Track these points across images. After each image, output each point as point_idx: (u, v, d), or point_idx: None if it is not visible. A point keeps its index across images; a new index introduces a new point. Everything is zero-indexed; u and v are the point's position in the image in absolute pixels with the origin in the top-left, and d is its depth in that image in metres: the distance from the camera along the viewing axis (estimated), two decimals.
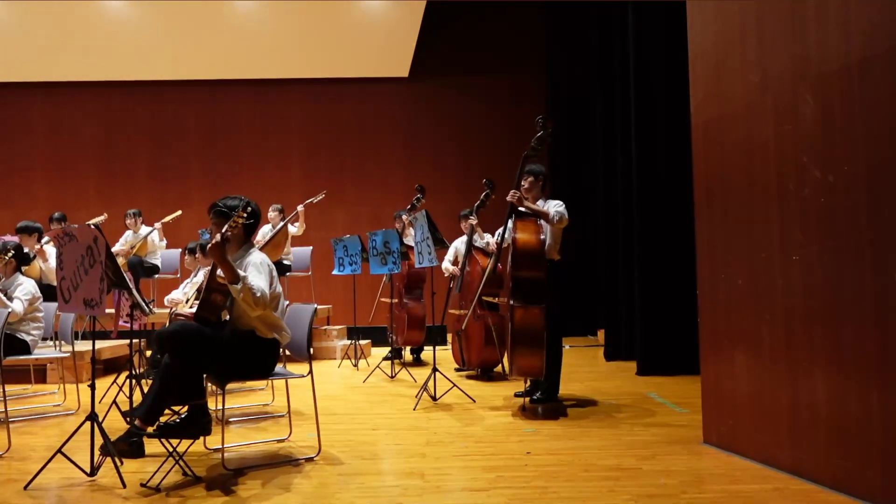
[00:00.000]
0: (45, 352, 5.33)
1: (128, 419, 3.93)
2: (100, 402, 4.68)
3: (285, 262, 8.31)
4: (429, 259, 5.15)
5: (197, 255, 5.94)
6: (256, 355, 3.51)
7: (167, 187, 11.33)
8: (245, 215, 3.32)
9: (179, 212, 8.12)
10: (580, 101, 10.05)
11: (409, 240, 7.39)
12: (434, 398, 5.11)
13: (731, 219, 3.65)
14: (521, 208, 4.87)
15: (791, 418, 3.17)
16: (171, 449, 3.23)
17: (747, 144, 3.52)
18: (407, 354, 7.63)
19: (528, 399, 4.94)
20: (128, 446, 3.16)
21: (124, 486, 3.11)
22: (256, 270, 3.42)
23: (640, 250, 6.53)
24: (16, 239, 6.76)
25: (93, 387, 3.35)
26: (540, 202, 4.97)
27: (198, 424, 3.38)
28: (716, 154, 3.81)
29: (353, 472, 3.31)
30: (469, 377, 6.19)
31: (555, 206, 4.95)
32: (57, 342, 5.63)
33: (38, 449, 3.88)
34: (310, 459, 3.55)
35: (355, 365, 7.33)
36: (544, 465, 3.37)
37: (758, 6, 3.48)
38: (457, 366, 6.62)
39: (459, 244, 5.98)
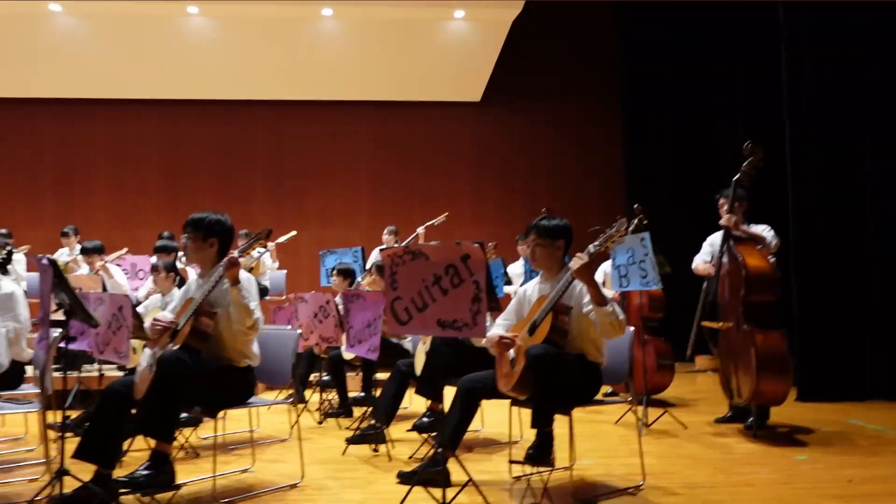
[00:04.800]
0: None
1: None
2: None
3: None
4: (642, 283, 5.06)
5: (374, 277, 5.80)
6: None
7: (232, 208, 10.89)
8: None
9: (294, 232, 7.92)
10: (655, 127, 10.15)
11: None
12: (647, 424, 5.01)
13: None
14: (736, 232, 4.88)
15: None
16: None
17: None
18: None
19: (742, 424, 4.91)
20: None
21: None
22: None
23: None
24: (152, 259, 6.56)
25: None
26: (743, 226, 4.98)
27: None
28: None
29: None
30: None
31: (767, 230, 4.97)
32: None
33: None
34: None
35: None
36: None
37: None
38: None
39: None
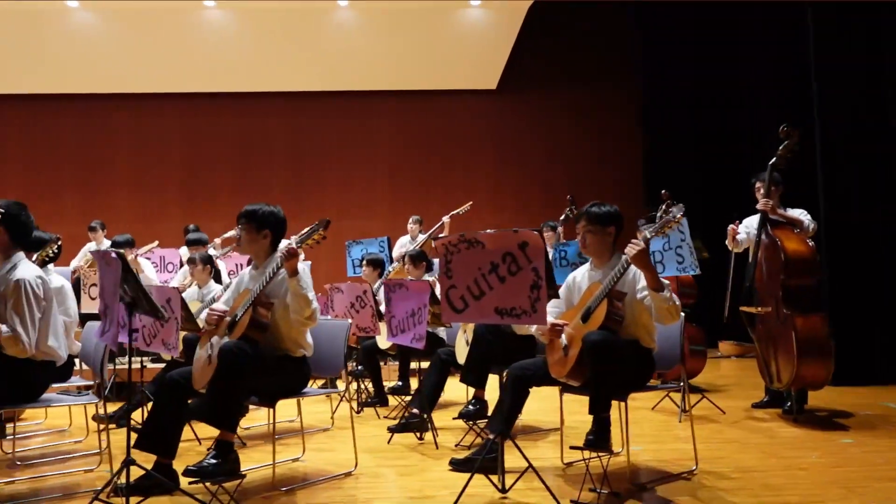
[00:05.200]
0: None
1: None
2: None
3: None
4: (679, 268, 5.06)
5: (408, 266, 5.82)
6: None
7: (251, 200, 10.89)
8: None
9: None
10: (675, 113, 10.10)
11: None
12: (684, 409, 5.02)
13: None
14: (773, 216, 4.88)
15: None
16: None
17: None
18: None
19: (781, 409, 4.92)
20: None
21: None
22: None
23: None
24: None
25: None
26: (780, 210, 4.97)
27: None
28: None
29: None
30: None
31: (804, 214, 4.97)
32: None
33: None
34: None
35: None
36: None
37: None
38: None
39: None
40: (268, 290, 3.32)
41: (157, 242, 6.87)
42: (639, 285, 3.32)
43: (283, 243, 3.32)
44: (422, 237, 8.00)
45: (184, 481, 3.10)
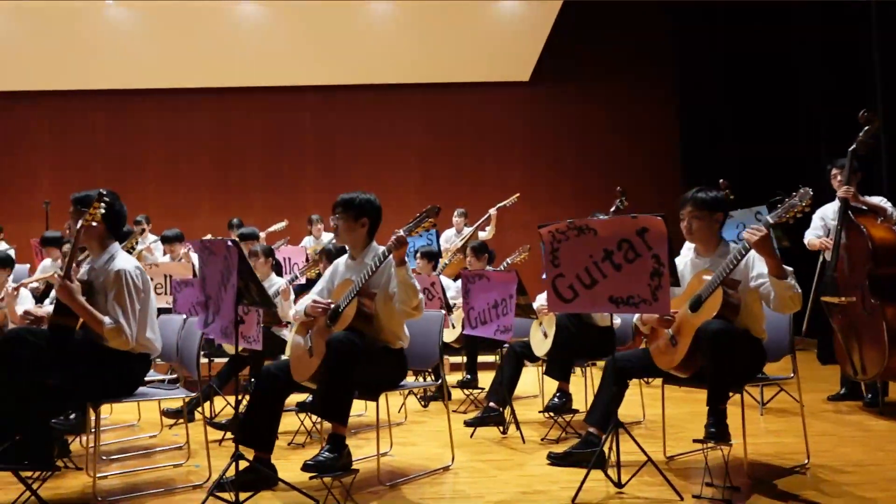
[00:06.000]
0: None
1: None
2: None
3: None
4: None
5: (470, 258, 5.72)
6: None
7: (282, 195, 10.98)
8: None
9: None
10: (712, 104, 9.95)
11: None
12: (762, 404, 4.91)
13: None
14: (855, 204, 4.76)
15: None
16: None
17: None
18: None
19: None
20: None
21: None
22: None
23: None
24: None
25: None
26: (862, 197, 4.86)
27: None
28: None
29: None
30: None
31: (885, 202, 4.86)
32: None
33: None
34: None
35: None
36: None
37: None
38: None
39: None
40: (369, 281, 3.23)
41: (209, 236, 6.78)
42: (752, 272, 3.21)
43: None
44: (467, 230, 7.91)
45: (291, 476, 3.02)
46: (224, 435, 4.14)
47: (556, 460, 3.51)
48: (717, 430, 3.02)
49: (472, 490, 3.17)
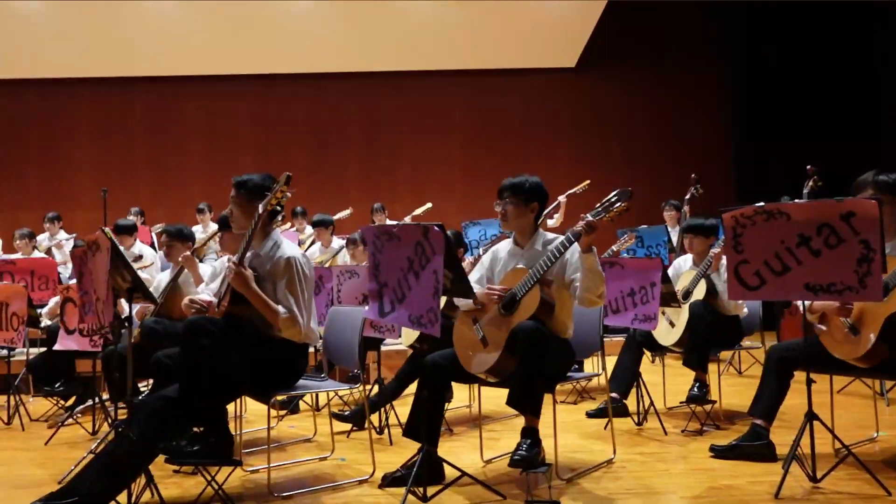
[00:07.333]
0: None
1: None
2: None
3: None
4: None
5: None
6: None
7: (325, 182, 10.81)
8: None
9: (429, 204, 7.73)
10: (765, 90, 9.80)
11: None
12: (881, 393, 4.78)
13: None
14: None
15: None
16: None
17: None
18: None
19: None
20: None
21: None
22: None
23: None
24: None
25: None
26: None
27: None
28: None
29: None
30: None
31: None
32: None
33: None
34: None
35: None
36: None
37: None
38: None
39: None
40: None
41: (289, 224, 6.64)
42: None
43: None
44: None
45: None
46: (351, 428, 4.02)
47: (720, 453, 3.40)
48: None
49: (657, 483, 3.05)
